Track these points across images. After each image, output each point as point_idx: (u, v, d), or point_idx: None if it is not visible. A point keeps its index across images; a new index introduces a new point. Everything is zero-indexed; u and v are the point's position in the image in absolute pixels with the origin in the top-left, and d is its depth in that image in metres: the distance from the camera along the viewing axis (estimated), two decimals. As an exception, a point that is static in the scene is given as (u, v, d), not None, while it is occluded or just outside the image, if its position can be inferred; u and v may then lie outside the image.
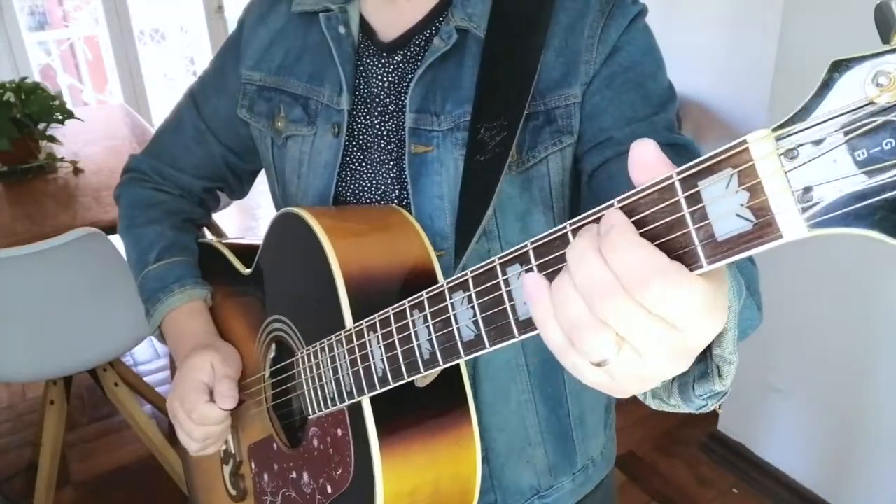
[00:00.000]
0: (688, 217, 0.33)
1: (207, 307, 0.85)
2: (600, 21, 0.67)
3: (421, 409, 0.63)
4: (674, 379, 0.45)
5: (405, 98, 0.71)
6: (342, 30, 0.74)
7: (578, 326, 0.36)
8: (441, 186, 0.69)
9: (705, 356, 0.44)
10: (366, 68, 0.74)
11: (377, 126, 0.73)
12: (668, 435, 2.21)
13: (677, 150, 0.65)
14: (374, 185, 0.74)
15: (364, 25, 0.75)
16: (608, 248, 0.34)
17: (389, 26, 0.74)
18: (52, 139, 2.20)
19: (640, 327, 0.34)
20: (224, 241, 0.91)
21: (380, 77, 0.73)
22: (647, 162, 0.35)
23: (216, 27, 4.23)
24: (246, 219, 3.96)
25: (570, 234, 0.38)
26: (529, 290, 0.38)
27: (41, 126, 2.18)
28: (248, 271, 0.81)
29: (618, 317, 0.34)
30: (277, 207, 0.83)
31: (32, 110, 2.11)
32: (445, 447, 0.64)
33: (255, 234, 3.78)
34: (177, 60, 4.89)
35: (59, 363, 1.77)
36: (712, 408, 0.46)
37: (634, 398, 0.44)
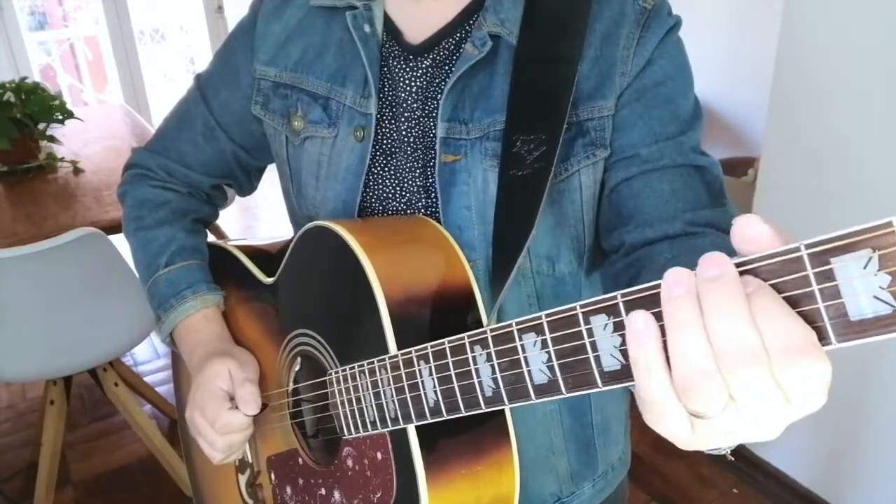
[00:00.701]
0: (817, 293, 0.32)
1: (221, 312, 0.83)
2: (636, 32, 0.65)
3: (462, 432, 0.61)
4: None
5: (433, 104, 0.69)
6: (367, 28, 0.71)
7: (700, 375, 0.34)
8: (469, 197, 0.67)
9: None
10: (391, 71, 0.71)
11: (403, 132, 0.71)
12: (668, 435, 2.21)
13: (701, 173, 0.64)
14: (399, 193, 0.71)
15: (388, 25, 0.72)
16: (760, 311, 0.33)
17: (416, 27, 0.71)
18: (52, 139, 2.20)
19: (759, 394, 0.34)
20: (232, 243, 0.88)
21: (407, 81, 0.71)
22: (760, 240, 0.34)
23: (216, 27, 4.23)
24: (246, 218, 3.96)
25: None
26: (637, 329, 0.36)
27: (41, 126, 2.18)
28: (269, 280, 0.78)
29: (745, 381, 0.33)
30: (290, 206, 0.81)
31: (32, 110, 2.12)
32: (487, 471, 0.63)
33: (255, 233, 3.78)
34: (177, 60, 4.88)
35: (59, 363, 1.77)
36: (724, 452, 0.45)
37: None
